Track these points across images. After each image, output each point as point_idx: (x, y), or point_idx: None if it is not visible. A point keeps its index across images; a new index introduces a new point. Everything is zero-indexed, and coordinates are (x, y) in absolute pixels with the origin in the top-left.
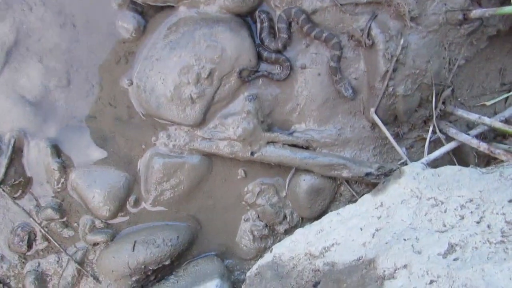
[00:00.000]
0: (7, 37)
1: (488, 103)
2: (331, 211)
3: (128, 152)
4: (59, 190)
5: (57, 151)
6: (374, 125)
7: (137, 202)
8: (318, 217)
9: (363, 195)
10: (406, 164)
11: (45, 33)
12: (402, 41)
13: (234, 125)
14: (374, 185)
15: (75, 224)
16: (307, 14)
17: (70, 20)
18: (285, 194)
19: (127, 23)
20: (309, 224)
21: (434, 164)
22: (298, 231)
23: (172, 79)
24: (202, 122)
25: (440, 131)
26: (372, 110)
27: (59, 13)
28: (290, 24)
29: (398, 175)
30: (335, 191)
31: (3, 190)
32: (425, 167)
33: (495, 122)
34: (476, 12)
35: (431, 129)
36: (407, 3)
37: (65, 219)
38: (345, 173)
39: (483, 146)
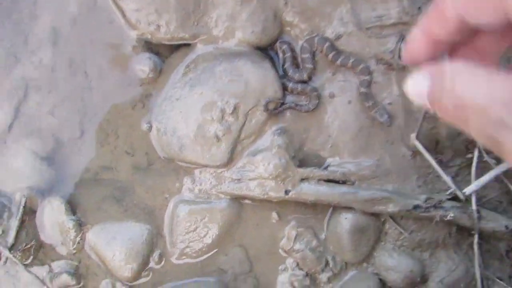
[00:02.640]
0: (16, 92)
1: None
2: (376, 254)
3: (150, 203)
4: (75, 251)
5: (72, 207)
6: (415, 153)
7: (161, 258)
8: (363, 260)
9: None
10: (455, 195)
11: (56, 84)
12: None
13: (265, 162)
14: (422, 220)
15: None
16: (331, 42)
17: (82, 69)
18: (324, 237)
19: (143, 65)
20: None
21: (485, 192)
22: None
23: (194, 118)
24: (229, 162)
25: (487, 154)
26: (413, 135)
27: (70, 62)
28: (314, 53)
29: None
30: (380, 230)
31: (14, 256)
32: None
33: None
34: None
35: (476, 151)
36: None
37: (81, 284)
38: (390, 208)
39: None
